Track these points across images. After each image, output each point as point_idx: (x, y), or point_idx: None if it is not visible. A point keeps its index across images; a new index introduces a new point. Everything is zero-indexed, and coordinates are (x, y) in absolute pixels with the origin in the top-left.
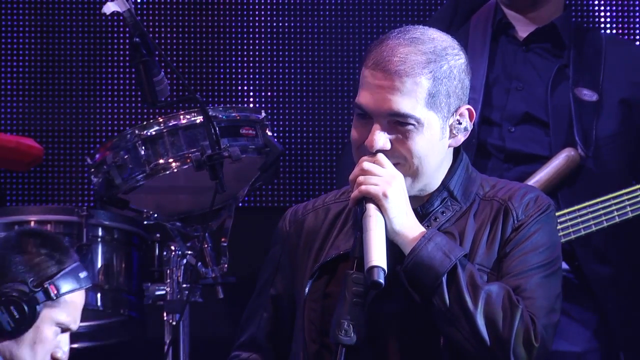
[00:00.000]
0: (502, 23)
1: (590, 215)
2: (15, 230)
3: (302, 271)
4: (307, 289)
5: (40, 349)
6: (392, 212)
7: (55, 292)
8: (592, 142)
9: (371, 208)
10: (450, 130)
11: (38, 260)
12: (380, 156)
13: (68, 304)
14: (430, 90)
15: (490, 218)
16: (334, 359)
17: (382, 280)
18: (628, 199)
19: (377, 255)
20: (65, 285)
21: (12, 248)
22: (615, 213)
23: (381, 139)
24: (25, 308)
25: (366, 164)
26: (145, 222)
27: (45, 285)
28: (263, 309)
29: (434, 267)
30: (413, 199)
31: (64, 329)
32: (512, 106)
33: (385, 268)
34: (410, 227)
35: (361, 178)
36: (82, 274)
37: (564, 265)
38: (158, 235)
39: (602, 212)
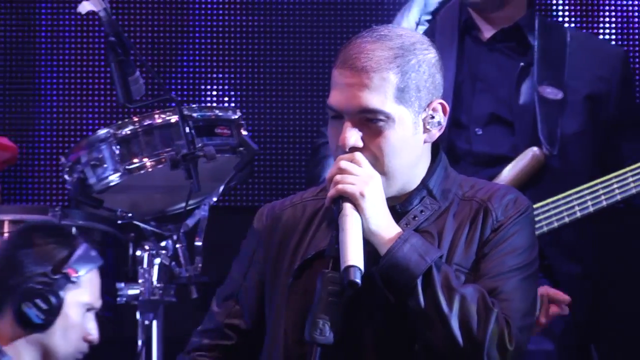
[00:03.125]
0: (467, 24)
1: (552, 212)
2: (17, 229)
3: (278, 267)
4: (288, 287)
5: (72, 334)
6: (368, 211)
7: (75, 274)
8: (557, 140)
9: (348, 207)
10: (424, 125)
11: (48, 248)
12: (358, 155)
13: (87, 283)
14: (398, 85)
15: (470, 218)
16: (309, 359)
17: (358, 280)
18: (589, 194)
19: (354, 255)
20: (83, 266)
21: (20, 245)
22: (577, 208)
23: (353, 136)
24: (51, 297)
25: (343, 163)
26: (119, 222)
27: (64, 270)
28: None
29: (409, 268)
30: (392, 197)
31: (88, 309)
32: (478, 107)
33: (362, 268)
34: (386, 228)
35: (338, 177)
36: (93, 253)
37: None
38: (132, 234)
39: (564, 207)
